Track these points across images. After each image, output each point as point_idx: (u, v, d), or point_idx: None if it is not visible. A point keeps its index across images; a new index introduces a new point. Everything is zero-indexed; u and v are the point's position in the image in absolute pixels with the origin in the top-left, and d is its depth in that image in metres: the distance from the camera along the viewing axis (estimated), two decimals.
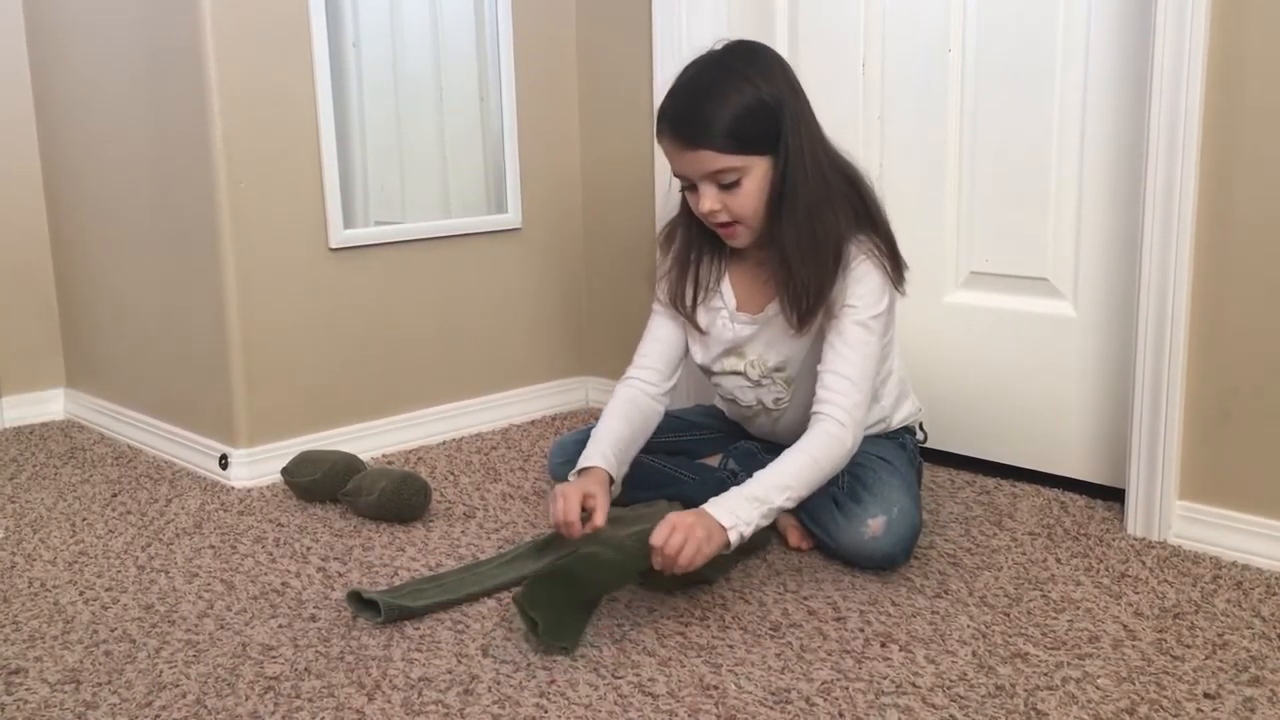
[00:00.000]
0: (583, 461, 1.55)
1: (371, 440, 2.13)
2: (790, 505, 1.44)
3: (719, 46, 1.53)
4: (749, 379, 1.63)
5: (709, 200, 1.49)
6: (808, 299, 1.50)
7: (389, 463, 2.08)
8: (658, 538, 1.34)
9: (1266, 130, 1.49)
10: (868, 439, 1.65)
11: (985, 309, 1.90)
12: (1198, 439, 1.61)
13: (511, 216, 2.30)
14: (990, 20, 1.83)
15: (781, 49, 2.08)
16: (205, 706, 1.23)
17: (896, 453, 1.64)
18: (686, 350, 1.68)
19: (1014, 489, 1.86)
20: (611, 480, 1.54)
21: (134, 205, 2.15)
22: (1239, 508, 1.58)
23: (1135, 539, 1.65)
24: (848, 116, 2.01)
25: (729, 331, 1.62)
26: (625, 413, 1.63)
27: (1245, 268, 1.53)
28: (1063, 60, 1.76)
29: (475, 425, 2.28)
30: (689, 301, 1.62)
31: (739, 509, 1.39)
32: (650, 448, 1.72)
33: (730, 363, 1.64)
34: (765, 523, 1.42)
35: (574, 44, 2.36)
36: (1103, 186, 1.75)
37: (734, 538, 1.38)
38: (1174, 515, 1.64)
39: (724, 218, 1.51)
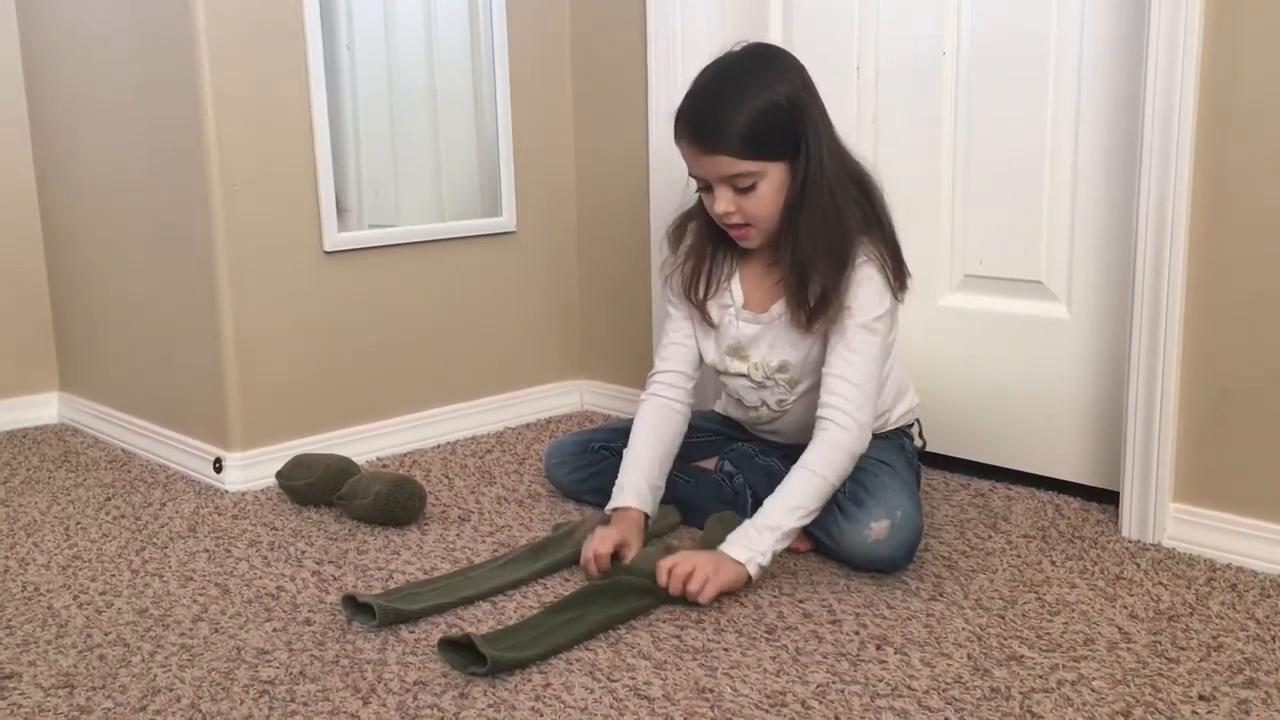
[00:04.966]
0: (616, 498, 1.59)
1: (366, 444, 2.13)
2: (806, 522, 1.49)
3: (737, 49, 1.55)
4: (753, 380, 1.64)
5: (724, 202, 1.52)
6: (817, 298, 1.52)
7: (384, 466, 2.08)
8: (664, 564, 1.45)
9: (1259, 133, 1.49)
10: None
11: (980, 312, 1.91)
12: (1192, 441, 1.61)
13: (506, 220, 2.30)
14: (985, 24, 1.83)
15: None
16: (200, 711, 1.22)
17: (896, 456, 1.64)
18: None
19: (1009, 492, 1.86)
20: (647, 517, 1.60)
21: (128, 208, 2.14)
22: (1233, 510, 1.58)
23: (1130, 541, 1.65)
24: (841, 120, 1.99)
25: (734, 329, 1.64)
26: (653, 433, 1.65)
27: (1239, 270, 1.53)
28: (1056, 63, 1.76)
29: (470, 429, 2.28)
30: (702, 294, 1.64)
31: (752, 541, 1.46)
32: None
33: (735, 364, 1.65)
34: (783, 545, 1.48)
35: (569, 47, 2.36)
36: (1096, 189, 1.75)
37: (753, 570, 1.46)
38: (1168, 518, 1.64)
39: (738, 219, 1.53)
